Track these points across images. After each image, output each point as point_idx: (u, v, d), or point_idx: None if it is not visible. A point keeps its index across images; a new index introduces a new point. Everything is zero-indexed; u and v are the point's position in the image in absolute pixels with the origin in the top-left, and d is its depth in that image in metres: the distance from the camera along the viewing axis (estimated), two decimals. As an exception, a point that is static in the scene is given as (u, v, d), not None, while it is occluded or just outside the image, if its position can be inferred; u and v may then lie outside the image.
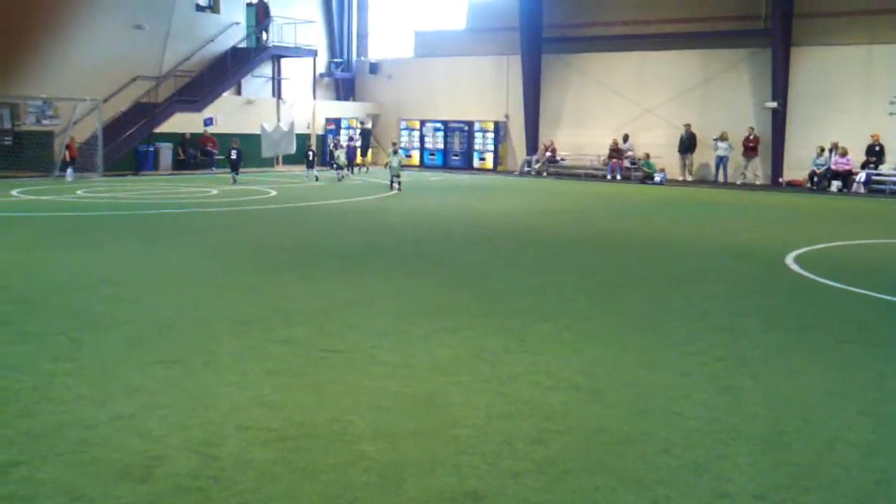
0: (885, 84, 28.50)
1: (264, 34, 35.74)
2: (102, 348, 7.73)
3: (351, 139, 34.87)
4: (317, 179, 28.62)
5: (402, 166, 26.56)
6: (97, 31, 30.57)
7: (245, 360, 7.42)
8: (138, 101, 31.35)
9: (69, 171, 27.19)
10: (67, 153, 27.52)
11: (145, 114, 30.78)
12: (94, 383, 6.72)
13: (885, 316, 10.05)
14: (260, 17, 35.57)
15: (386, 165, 26.05)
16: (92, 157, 28.59)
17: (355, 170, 32.67)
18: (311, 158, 29.56)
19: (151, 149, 31.29)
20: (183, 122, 31.91)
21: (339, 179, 29.53)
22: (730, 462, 5.39)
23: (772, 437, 5.85)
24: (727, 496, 4.92)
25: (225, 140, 32.57)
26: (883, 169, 28.26)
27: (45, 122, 29.03)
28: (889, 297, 10.76)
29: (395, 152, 26.45)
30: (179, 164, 32.03)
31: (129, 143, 30.24)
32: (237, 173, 27.88)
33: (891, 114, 28.43)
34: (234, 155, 27.96)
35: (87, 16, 30.33)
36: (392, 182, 25.42)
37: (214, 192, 24.07)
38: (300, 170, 31.32)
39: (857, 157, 28.62)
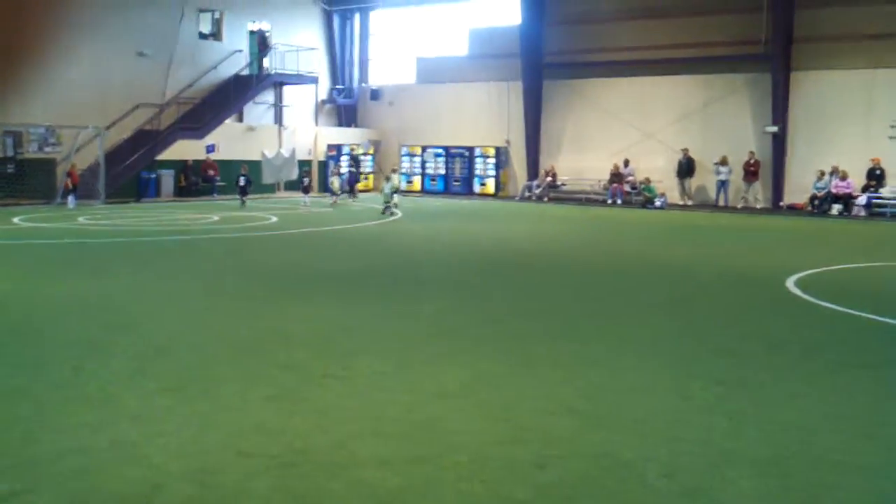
0: (885, 108, 28.58)
1: (264, 61, 35.83)
2: (102, 375, 7.72)
3: (350, 165, 35.08)
4: (305, 204, 28.81)
5: (399, 191, 26.44)
6: (100, 59, 30.75)
7: (245, 386, 7.42)
8: (140, 129, 31.49)
9: (70, 198, 27.26)
10: (69, 180, 27.61)
11: (147, 141, 30.90)
12: (94, 410, 6.71)
13: (886, 339, 10.03)
14: (258, 47, 35.63)
15: (380, 191, 25.87)
16: (94, 185, 28.67)
17: (353, 196, 32.56)
18: (306, 185, 29.90)
19: (153, 176, 31.38)
20: (185, 149, 32.02)
21: (331, 205, 29.44)
22: (731, 486, 5.38)
23: (772, 460, 5.83)
24: (728, 521, 4.90)
25: (226, 167, 32.80)
26: (883, 192, 28.28)
27: (47, 149, 29.14)
28: (890, 321, 10.74)
29: (388, 179, 26.43)
30: (181, 191, 32.12)
31: (131, 171, 30.34)
32: (245, 198, 28.26)
33: (891, 137, 28.49)
34: (242, 181, 28.45)
35: (90, 44, 30.52)
36: (385, 208, 25.20)
37: (216, 218, 24.12)
38: (300, 196, 31.42)
39: (857, 180, 28.67)
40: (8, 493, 5.11)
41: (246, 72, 35.71)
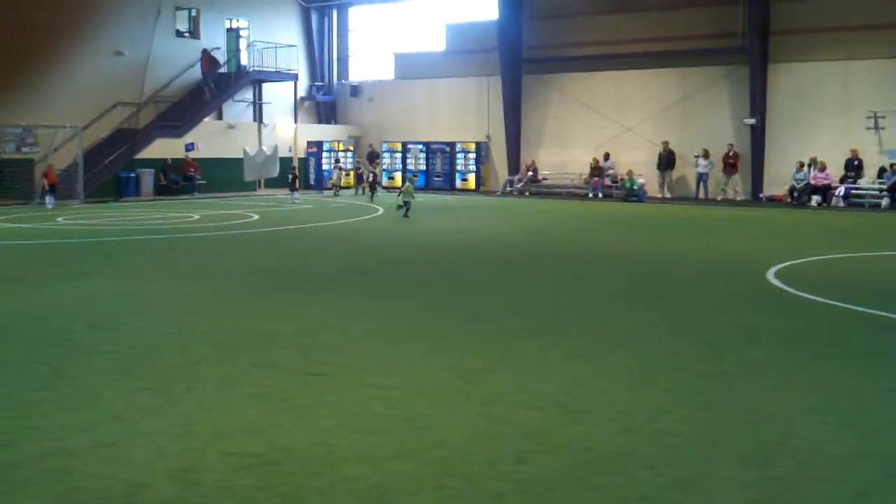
0: (862, 99, 28.76)
1: (209, 87, 33.90)
2: (84, 376, 7.69)
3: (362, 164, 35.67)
4: (293, 201, 28.88)
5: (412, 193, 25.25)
6: (77, 59, 30.56)
7: (227, 385, 7.40)
8: (119, 128, 31.29)
9: (49, 198, 27.06)
10: (45, 181, 27.40)
11: (126, 140, 30.70)
12: (76, 411, 6.68)
13: (866, 329, 10.11)
14: (205, 68, 34.01)
15: (399, 194, 25.12)
16: (73, 184, 28.48)
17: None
18: (291, 181, 30.02)
19: (133, 175, 31.20)
20: (164, 148, 31.85)
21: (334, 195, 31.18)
22: (712, 478, 5.42)
23: (754, 451, 5.88)
24: (710, 512, 4.94)
25: (207, 165, 32.72)
26: (861, 183, 28.51)
27: (25, 149, 28.88)
28: (869, 311, 10.83)
29: (411, 181, 27.00)
30: (162, 190, 31.96)
31: (110, 170, 30.16)
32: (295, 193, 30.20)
33: (868, 128, 28.69)
34: (290, 177, 30.69)
35: (66, 43, 30.31)
36: (405, 209, 24.10)
37: (196, 217, 24.02)
38: (284, 193, 31.39)
39: (835, 171, 28.88)
40: (-11, 496, 5.09)
41: (224, 69, 35.52)
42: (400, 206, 24.02)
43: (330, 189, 34.30)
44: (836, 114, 29.30)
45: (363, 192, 33.32)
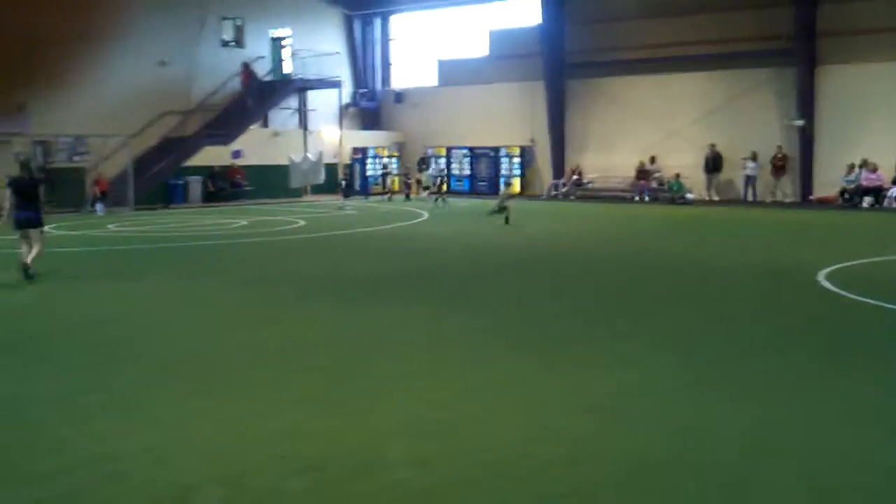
0: (913, 100, 28.22)
1: (249, 101, 34.24)
2: (132, 381, 7.76)
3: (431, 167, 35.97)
4: (343, 207, 29.00)
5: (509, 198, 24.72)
6: (125, 69, 30.97)
7: (274, 389, 7.43)
8: (167, 136, 31.73)
9: (99, 206, 27.53)
10: (97, 188, 27.90)
11: (174, 148, 31.13)
12: (125, 416, 6.74)
13: (922, 332, 9.89)
14: (245, 81, 34.42)
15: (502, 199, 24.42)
16: (123, 192, 28.93)
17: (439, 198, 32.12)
18: (345, 187, 30.24)
19: (181, 182, 31.59)
20: (211, 156, 32.22)
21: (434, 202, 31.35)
22: (759, 484, 5.31)
23: (804, 457, 5.76)
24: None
25: (253, 171, 33.04)
26: (914, 184, 27.97)
27: (76, 158, 29.39)
28: (925, 313, 10.60)
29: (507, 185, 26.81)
30: (209, 197, 32.30)
31: (159, 178, 30.58)
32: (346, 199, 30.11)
33: (919, 129, 28.15)
34: (343, 183, 30.91)
35: (113, 54, 30.75)
36: (504, 214, 23.23)
37: (244, 223, 24.23)
38: (329, 199, 31.57)
39: (887, 173, 28.36)
40: (39, 500, 5.14)
41: (269, 77, 35.83)
42: (495, 212, 23.31)
43: (384, 194, 35.31)
44: (887, 115, 28.75)
45: (408, 198, 33.79)
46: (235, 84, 34.64)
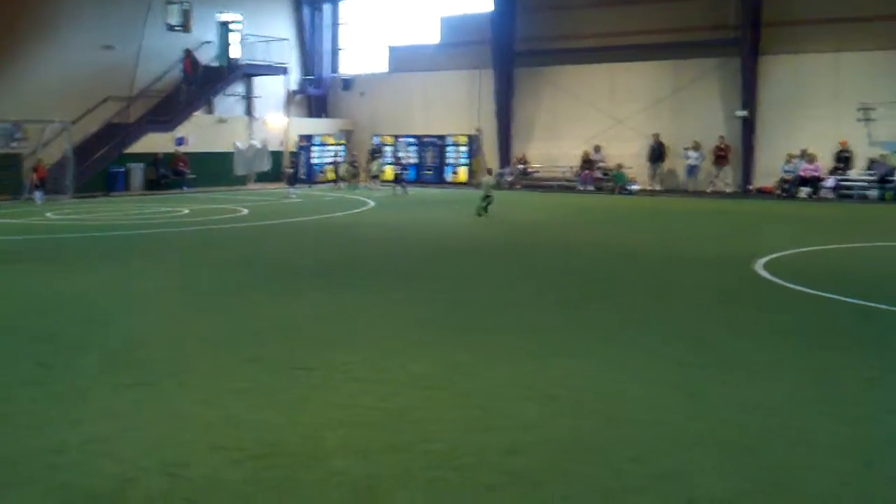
0: (852, 91, 28.84)
1: (188, 88, 33.51)
2: (73, 371, 7.69)
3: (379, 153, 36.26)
4: (291, 195, 28.87)
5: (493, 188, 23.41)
6: (66, 53, 30.41)
7: (217, 379, 7.42)
8: (109, 122, 31.20)
9: (38, 193, 26.99)
10: (35, 176, 27.33)
11: (116, 134, 30.62)
12: (64, 406, 6.68)
13: (852, 320, 10.17)
14: (188, 68, 33.68)
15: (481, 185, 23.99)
16: (62, 179, 28.39)
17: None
18: (290, 175, 30.07)
19: (122, 169, 31.10)
20: (154, 142, 31.79)
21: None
22: (698, 468, 5.45)
23: (739, 442, 5.92)
24: (696, 502, 4.97)
25: (197, 159, 32.66)
26: (851, 175, 28.63)
27: (13, 144, 28.76)
28: (856, 301, 10.89)
29: (490, 172, 26.12)
30: (151, 185, 31.88)
31: (99, 164, 30.07)
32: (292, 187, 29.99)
33: (858, 120, 28.79)
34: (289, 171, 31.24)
35: (55, 37, 30.17)
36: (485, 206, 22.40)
37: (186, 211, 23.99)
38: (274, 187, 31.39)
39: (825, 163, 28.98)
40: (-21, 492, 5.10)
41: (215, 63, 35.44)
42: (482, 205, 22.22)
43: (335, 182, 35.52)
44: (827, 106, 29.39)
45: (354, 187, 33.97)
46: (181, 70, 34.17)
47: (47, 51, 29.93)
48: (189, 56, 33.64)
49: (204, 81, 33.82)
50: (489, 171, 25.42)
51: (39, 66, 29.67)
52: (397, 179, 32.20)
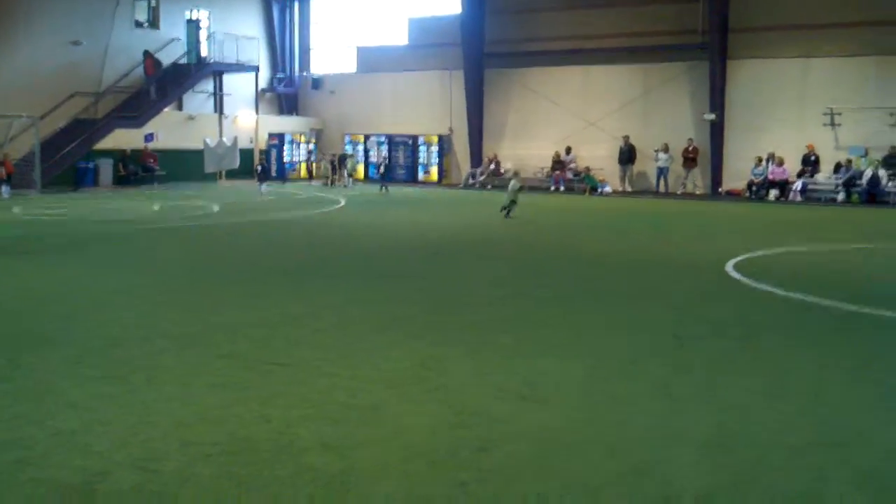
0: (819, 96, 29.17)
1: (152, 89, 32.84)
2: (42, 367, 7.58)
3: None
4: (262, 192, 28.71)
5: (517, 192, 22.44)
6: (33, 48, 30.08)
7: (188, 375, 7.34)
8: (77, 118, 30.85)
9: (5, 188, 26.65)
10: (2, 170, 26.98)
11: (84, 130, 30.28)
12: (33, 401, 6.59)
13: (821, 319, 10.27)
14: (149, 70, 33.13)
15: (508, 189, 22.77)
16: (29, 174, 28.04)
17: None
18: (261, 173, 29.91)
19: (91, 165, 30.81)
20: (123, 138, 31.48)
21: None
22: (673, 465, 5.47)
23: (713, 440, 5.95)
24: (671, 498, 4.99)
25: (166, 156, 32.43)
26: (818, 178, 28.95)
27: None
28: (824, 301, 11.00)
29: (516, 174, 24.63)
30: (120, 181, 31.60)
31: (67, 160, 29.70)
32: (263, 185, 29.62)
33: (825, 125, 29.13)
34: (259, 169, 30.63)
35: (22, 32, 29.83)
36: (507, 209, 21.96)
37: (156, 208, 23.78)
38: (244, 185, 31.21)
39: (793, 166, 29.28)
40: (-56, 486, 5.01)
41: (184, 60, 35.16)
42: (507, 207, 21.66)
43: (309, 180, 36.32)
44: (794, 110, 29.72)
45: (327, 185, 34.28)
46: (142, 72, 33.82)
47: (14, 45, 29.59)
48: (149, 57, 33.19)
49: (172, 79, 33.50)
50: (515, 174, 24.11)
51: (6, 61, 29.31)
52: (383, 178, 32.67)
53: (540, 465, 5.46)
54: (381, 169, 33.58)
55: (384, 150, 36.87)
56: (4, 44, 29.29)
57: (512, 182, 22.67)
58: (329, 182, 35.01)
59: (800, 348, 8.66)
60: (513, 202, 21.81)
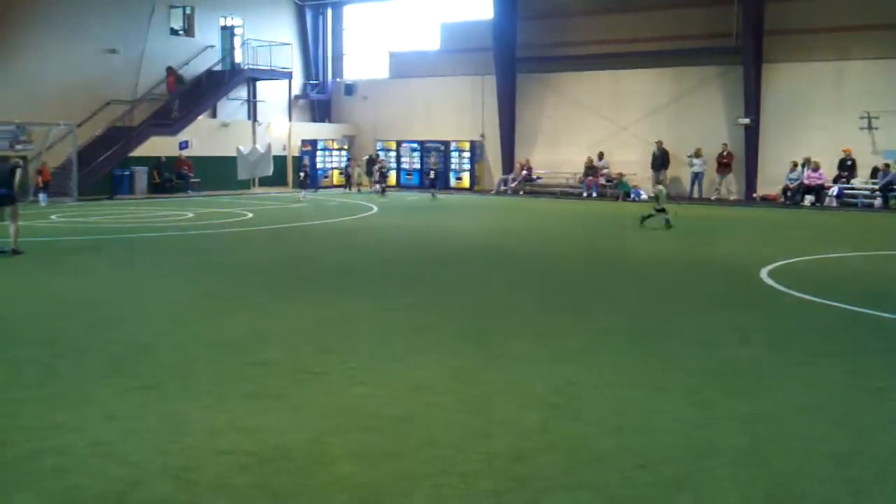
0: (855, 99, 28.82)
1: (175, 104, 32.95)
2: (79, 374, 7.67)
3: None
4: (303, 198, 29.04)
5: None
6: (70, 56, 30.50)
7: (222, 383, 7.40)
8: (113, 126, 31.21)
9: (42, 196, 27.02)
10: (40, 178, 27.36)
11: (120, 138, 30.63)
12: (70, 410, 6.67)
13: (857, 328, 10.14)
14: (171, 86, 33.41)
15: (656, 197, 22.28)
16: (66, 182, 28.42)
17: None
18: (303, 179, 30.26)
19: (127, 173, 31.15)
20: (158, 146, 31.80)
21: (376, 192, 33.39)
22: (707, 476, 5.43)
23: (747, 450, 5.89)
24: (704, 510, 4.96)
25: (200, 163, 32.71)
26: (855, 183, 28.59)
27: (18, 147, 28.70)
28: (860, 310, 10.86)
29: (661, 181, 23.80)
30: (155, 188, 31.92)
31: (104, 168, 30.07)
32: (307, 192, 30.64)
33: (861, 128, 28.76)
34: (302, 175, 31.73)
35: (59, 41, 30.26)
36: (665, 219, 20.99)
37: (190, 215, 23.99)
38: (277, 192, 31.42)
39: (829, 171, 28.96)
40: (-16, 494, 5.09)
41: (219, 67, 35.49)
42: (651, 216, 20.87)
43: (345, 187, 36.47)
44: (830, 114, 29.37)
45: (358, 192, 34.53)
46: (184, 73, 34.15)
47: (51, 54, 30.00)
48: (172, 74, 33.47)
49: (207, 87, 33.81)
50: (660, 181, 23.02)
51: (42, 70, 29.73)
52: (433, 184, 33.13)
53: (573, 476, 5.44)
54: (432, 174, 33.65)
55: (382, 156, 37.12)
56: (41, 52, 29.72)
57: (658, 188, 22.38)
58: (356, 188, 35.36)
59: (834, 357, 8.54)
60: (661, 210, 21.02)
